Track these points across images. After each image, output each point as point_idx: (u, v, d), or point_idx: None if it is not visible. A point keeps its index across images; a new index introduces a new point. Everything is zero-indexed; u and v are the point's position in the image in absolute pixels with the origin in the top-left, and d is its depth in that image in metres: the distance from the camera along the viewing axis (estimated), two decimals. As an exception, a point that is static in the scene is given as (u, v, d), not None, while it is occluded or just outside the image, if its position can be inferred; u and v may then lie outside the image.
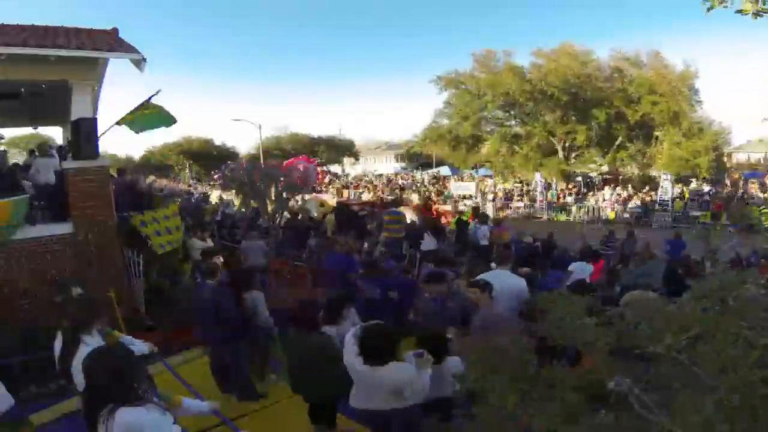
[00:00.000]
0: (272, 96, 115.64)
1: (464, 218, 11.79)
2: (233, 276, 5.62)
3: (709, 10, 2.51)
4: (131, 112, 7.47)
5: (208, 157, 50.25)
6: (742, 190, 24.61)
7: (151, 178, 32.12)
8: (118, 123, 7.42)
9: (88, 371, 2.31)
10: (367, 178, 42.70)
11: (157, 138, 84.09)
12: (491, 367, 1.72)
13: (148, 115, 7.55)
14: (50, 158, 8.02)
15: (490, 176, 34.69)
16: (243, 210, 13.74)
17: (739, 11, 2.44)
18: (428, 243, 10.23)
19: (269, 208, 11.91)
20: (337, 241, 8.56)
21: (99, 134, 7.04)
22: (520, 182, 31.29)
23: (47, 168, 7.59)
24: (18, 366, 5.29)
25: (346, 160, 56.10)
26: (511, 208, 26.79)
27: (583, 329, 1.61)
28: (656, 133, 26.60)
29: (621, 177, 31.04)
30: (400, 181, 39.78)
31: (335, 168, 53.89)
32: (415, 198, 28.37)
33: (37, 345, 5.00)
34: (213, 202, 23.13)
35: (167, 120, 7.76)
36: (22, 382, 5.02)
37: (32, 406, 4.72)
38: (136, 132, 7.66)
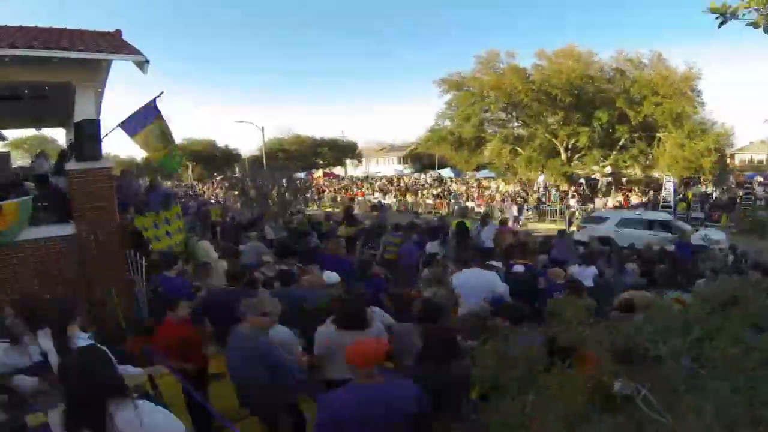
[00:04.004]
0: (275, 98, 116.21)
1: (466, 222, 11.64)
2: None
3: (721, 25, 2.52)
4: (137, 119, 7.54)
5: (210, 159, 50.42)
6: (746, 191, 24.58)
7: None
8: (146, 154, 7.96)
9: (66, 373, 2.25)
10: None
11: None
12: (502, 370, 1.72)
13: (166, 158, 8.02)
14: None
15: (493, 178, 34.75)
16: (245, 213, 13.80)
17: (752, 24, 2.45)
18: (432, 247, 10.25)
19: (273, 209, 11.96)
20: (333, 243, 8.61)
21: (102, 136, 7.06)
22: (523, 184, 31.30)
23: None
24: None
25: (349, 162, 56.19)
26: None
27: (590, 332, 1.61)
28: (658, 135, 26.53)
29: (624, 179, 31.01)
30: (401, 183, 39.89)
31: (338, 170, 53.98)
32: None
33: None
34: (215, 203, 23.19)
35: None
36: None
37: (30, 406, 4.69)
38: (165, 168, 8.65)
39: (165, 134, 7.73)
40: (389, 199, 33.14)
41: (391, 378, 2.82)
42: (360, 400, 2.53)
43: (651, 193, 26.82)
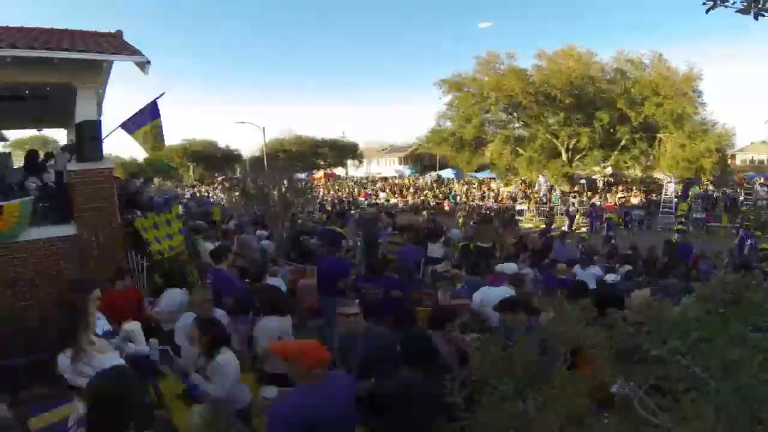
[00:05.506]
0: (276, 98, 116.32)
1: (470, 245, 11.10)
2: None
3: (708, 10, 2.48)
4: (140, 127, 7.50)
5: (211, 159, 50.41)
6: (747, 191, 24.55)
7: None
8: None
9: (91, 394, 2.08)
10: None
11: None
12: (497, 370, 1.71)
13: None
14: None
15: (493, 178, 34.74)
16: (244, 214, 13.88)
17: (741, 11, 2.41)
18: (435, 249, 10.22)
19: (274, 210, 11.99)
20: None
21: (103, 137, 7.07)
22: (524, 184, 31.30)
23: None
24: (22, 367, 5.28)
25: (350, 163, 56.16)
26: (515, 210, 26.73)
27: (587, 333, 1.61)
28: (659, 135, 26.49)
29: (624, 179, 30.97)
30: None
31: (339, 171, 53.96)
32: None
33: (40, 346, 4.98)
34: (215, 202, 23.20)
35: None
36: (26, 383, 5.00)
37: (34, 408, 4.69)
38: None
39: (161, 135, 7.70)
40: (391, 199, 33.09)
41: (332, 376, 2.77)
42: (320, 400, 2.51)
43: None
